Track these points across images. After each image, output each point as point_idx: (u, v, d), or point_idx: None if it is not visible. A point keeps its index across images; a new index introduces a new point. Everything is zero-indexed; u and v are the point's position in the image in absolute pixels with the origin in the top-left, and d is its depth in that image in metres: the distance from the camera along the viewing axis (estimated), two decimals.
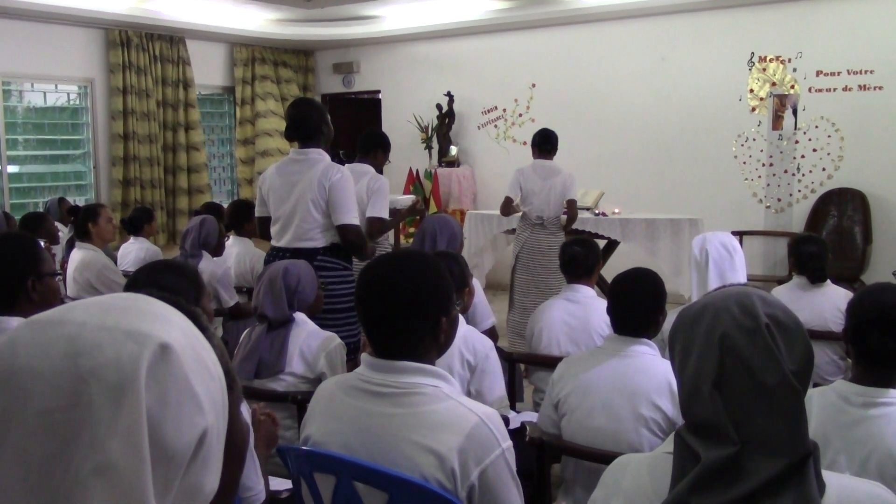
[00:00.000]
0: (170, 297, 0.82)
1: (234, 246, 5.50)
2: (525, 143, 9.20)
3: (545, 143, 6.10)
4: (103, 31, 8.66)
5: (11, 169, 8.23)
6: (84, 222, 5.13)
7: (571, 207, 5.99)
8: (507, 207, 6.03)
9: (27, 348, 0.73)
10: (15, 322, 2.40)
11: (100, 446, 0.68)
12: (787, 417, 1.19)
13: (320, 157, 3.96)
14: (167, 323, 0.77)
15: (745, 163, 8.05)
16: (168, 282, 2.13)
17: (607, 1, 8.25)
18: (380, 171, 4.88)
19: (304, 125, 3.96)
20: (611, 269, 4.06)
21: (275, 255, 3.98)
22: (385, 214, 4.56)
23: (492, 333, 3.84)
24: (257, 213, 4.21)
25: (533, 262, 5.99)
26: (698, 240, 3.34)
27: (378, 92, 10.64)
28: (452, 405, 1.74)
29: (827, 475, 1.25)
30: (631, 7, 8.21)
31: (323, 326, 3.30)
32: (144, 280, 2.15)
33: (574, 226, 6.72)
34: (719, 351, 1.24)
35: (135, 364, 0.71)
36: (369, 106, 10.85)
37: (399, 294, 1.80)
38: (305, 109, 4.01)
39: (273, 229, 4.04)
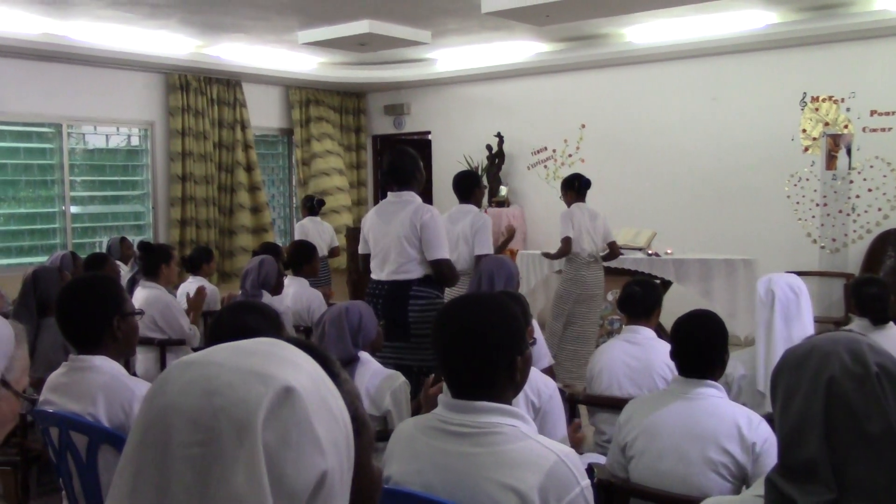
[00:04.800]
0: (305, 343, 0.87)
1: (291, 285, 5.59)
2: None
3: (585, 187, 6.52)
4: (163, 75, 8.93)
5: (74, 209, 8.46)
6: (157, 262, 5.24)
7: (614, 247, 6.52)
8: (569, 247, 6.34)
9: (174, 386, 0.79)
10: (98, 360, 2.49)
11: (228, 479, 0.73)
12: (888, 467, 1.19)
13: (413, 199, 4.37)
14: (296, 368, 0.81)
15: (798, 203, 7.99)
16: (250, 322, 2.19)
17: (657, 42, 8.29)
18: (479, 206, 5.48)
19: (399, 171, 4.40)
20: (665, 311, 4.05)
21: (375, 287, 4.40)
22: (490, 250, 5.18)
23: (550, 373, 3.87)
24: (360, 250, 4.62)
25: (586, 296, 6.35)
26: (764, 280, 3.32)
27: (428, 133, 10.78)
28: (531, 444, 1.77)
29: None
30: (681, 48, 8.25)
31: (418, 348, 3.74)
32: (228, 320, 2.22)
33: (626, 266, 6.78)
34: (826, 395, 1.24)
35: (257, 403, 0.76)
36: (419, 147, 10.97)
37: (475, 336, 1.85)
38: (400, 158, 4.45)
39: (372, 264, 4.45)
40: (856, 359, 1.26)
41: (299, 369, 0.81)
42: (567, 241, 6.27)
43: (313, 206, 8.42)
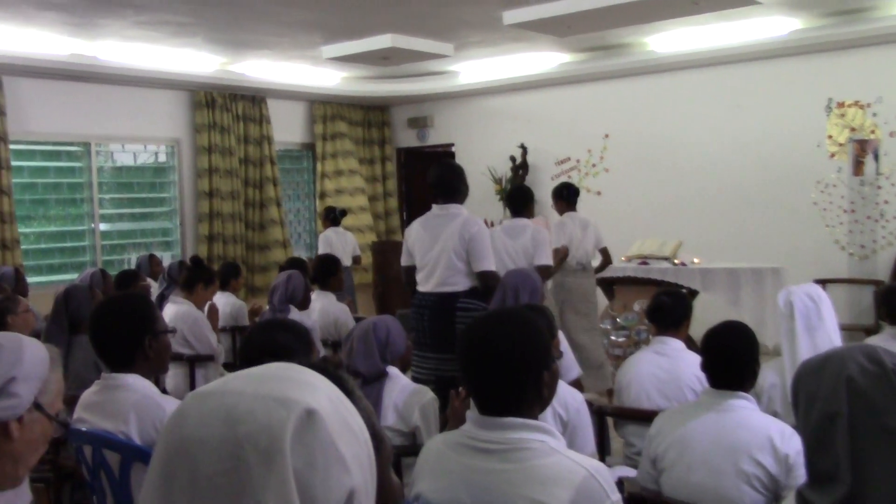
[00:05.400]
0: (318, 365, 0.89)
1: (318, 300, 5.61)
2: (599, 192, 9.29)
3: (574, 196, 6.58)
4: (190, 92, 9.03)
5: (103, 227, 8.56)
6: (197, 280, 5.30)
7: (606, 254, 6.53)
8: (565, 256, 6.33)
9: (193, 418, 0.80)
10: (130, 379, 2.52)
11: None
12: None
13: (459, 211, 4.47)
14: (314, 390, 0.83)
15: (825, 209, 7.92)
16: (281, 339, 2.22)
17: (680, 50, 8.27)
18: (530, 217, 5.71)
19: (445, 184, 4.50)
20: (692, 321, 4.01)
21: (421, 298, 4.48)
22: (550, 262, 5.42)
23: (577, 385, 3.86)
24: (403, 262, 4.66)
25: (571, 303, 6.36)
26: (783, 293, 3.28)
27: (452, 145, 10.80)
28: (560, 459, 1.77)
29: None
30: (704, 56, 8.22)
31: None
32: (259, 337, 2.25)
33: (653, 276, 6.74)
34: (846, 394, 1.27)
35: (282, 428, 0.77)
36: (443, 159, 11.02)
37: (501, 353, 1.85)
38: (446, 171, 4.55)
39: (419, 276, 4.52)
40: (871, 359, 1.30)
41: (317, 391, 0.83)
42: (559, 252, 6.22)
43: (336, 216, 8.59)
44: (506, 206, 5.93)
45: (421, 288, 4.53)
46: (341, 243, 8.38)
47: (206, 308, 5.61)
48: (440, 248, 4.41)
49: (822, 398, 1.30)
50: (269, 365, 0.88)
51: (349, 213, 10.24)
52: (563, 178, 9.58)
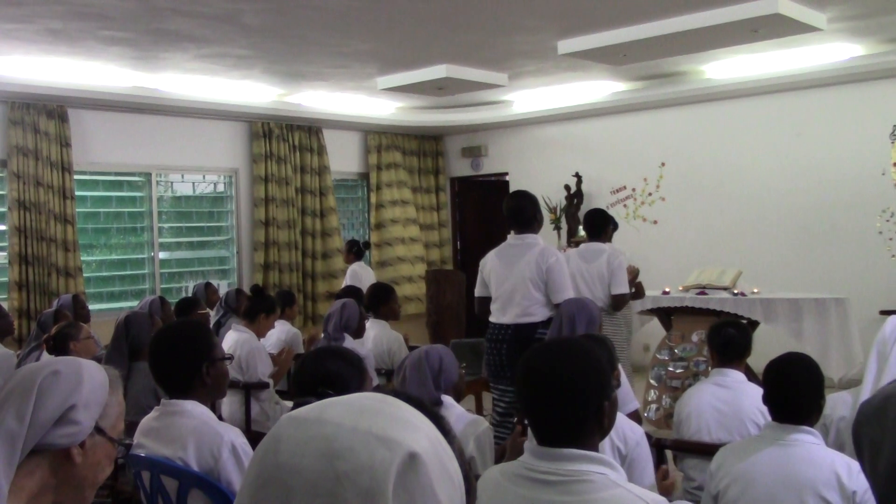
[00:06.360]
0: (416, 400, 0.86)
1: (372, 328, 5.62)
2: (656, 221, 9.18)
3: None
4: (247, 123, 9.18)
5: (162, 255, 8.72)
6: (259, 310, 5.33)
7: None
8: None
9: (288, 445, 0.78)
10: (189, 405, 2.54)
11: None
12: None
13: (535, 241, 4.46)
14: (415, 430, 0.81)
15: (891, 239, 7.71)
16: (334, 367, 2.21)
17: (738, 77, 8.17)
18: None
19: (520, 214, 4.49)
20: (753, 352, 3.91)
21: (498, 331, 4.44)
22: (626, 289, 5.34)
23: (635, 417, 3.79)
24: (478, 293, 4.65)
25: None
26: (893, 320, 3.09)
27: (506, 174, 10.79)
28: (621, 493, 1.73)
29: None
30: (763, 83, 8.10)
31: None
32: (312, 365, 2.24)
33: (711, 306, 6.60)
34: None
35: (385, 471, 0.75)
36: (497, 188, 11.00)
37: (561, 384, 1.82)
38: (521, 201, 4.54)
39: (493, 307, 4.49)
40: None
41: (418, 431, 0.81)
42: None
43: (360, 249, 8.66)
44: (582, 229, 5.86)
45: (496, 319, 4.49)
46: (367, 277, 8.33)
47: (277, 346, 5.58)
48: (517, 279, 4.39)
49: (888, 445, 1.24)
50: (366, 395, 0.85)
51: (402, 244, 10.27)
52: (619, 207, 9.52)
